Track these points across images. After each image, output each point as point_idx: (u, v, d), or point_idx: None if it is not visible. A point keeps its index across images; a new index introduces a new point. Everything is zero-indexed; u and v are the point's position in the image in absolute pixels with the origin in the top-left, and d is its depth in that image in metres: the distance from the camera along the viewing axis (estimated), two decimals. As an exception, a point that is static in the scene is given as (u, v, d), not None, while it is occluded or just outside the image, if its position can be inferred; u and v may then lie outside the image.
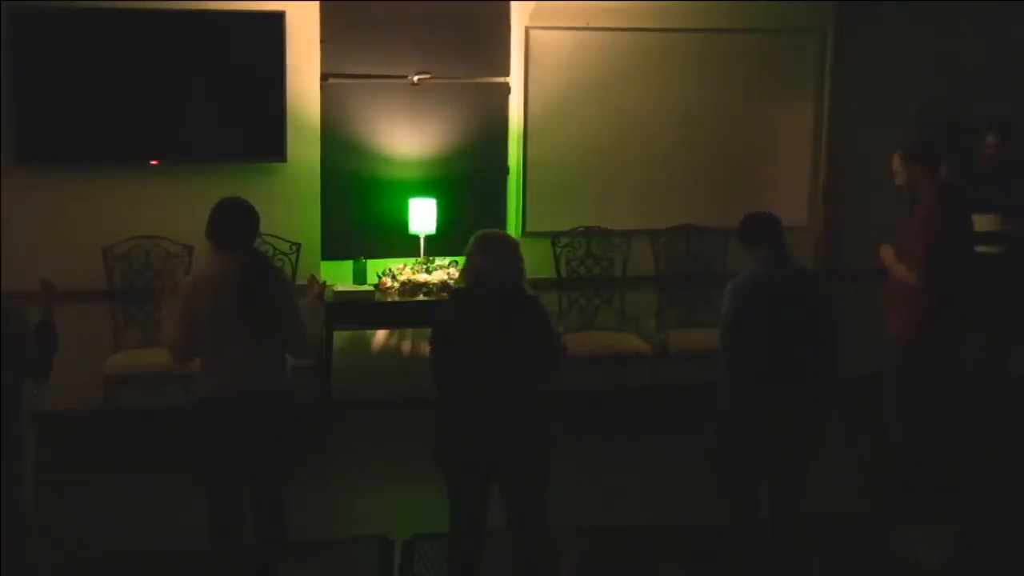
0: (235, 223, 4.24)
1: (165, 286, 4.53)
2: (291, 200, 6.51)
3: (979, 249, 5.96)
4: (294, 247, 6.50)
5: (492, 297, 4.23)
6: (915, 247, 5.32)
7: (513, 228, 6.87)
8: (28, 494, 4.20)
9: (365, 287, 6.51)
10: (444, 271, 6.57)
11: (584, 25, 6.81)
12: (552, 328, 4.40)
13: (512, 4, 6.74)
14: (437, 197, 6.65)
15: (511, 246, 4.35)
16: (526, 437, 4.28)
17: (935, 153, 5.48)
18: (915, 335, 5.38)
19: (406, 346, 6.93)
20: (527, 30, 6.76)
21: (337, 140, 6.63)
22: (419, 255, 6.64)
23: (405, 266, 6.60)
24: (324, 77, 6.57)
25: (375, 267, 6.63)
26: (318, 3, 6.48)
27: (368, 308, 6.45)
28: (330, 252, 6.69)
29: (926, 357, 5.41)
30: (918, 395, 5.45)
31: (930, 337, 5.39)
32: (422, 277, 6.50)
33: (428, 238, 6.63)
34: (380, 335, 6.88)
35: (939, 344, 5.43)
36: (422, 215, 6.58)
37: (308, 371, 5.98)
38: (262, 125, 6.44)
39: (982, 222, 6.08)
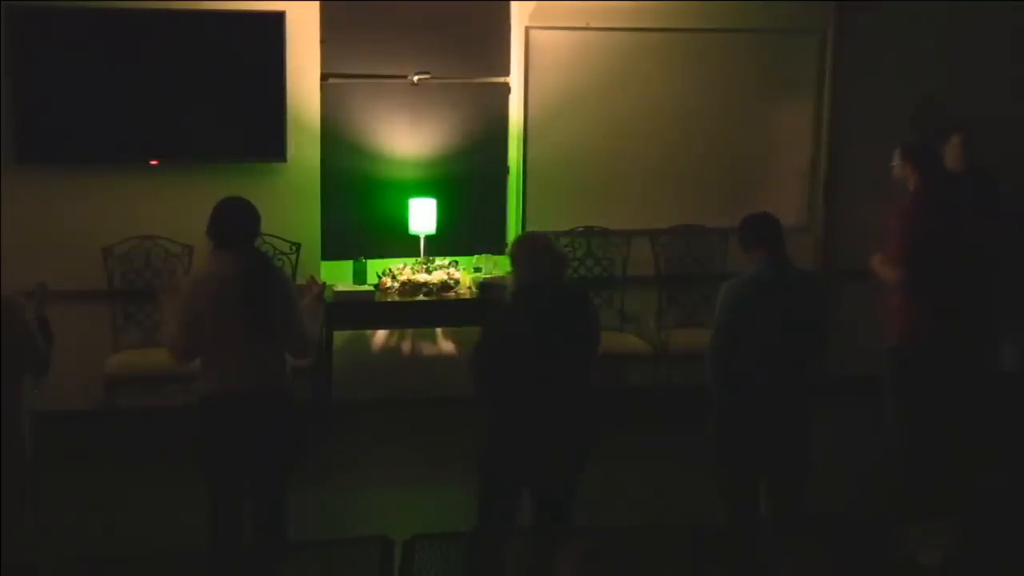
0: (236, 222, 4.24)
1: (165, 286, 4.53)
2: (291, 200, 6.52)
3: None
4: (294, 247, 6.50)
5: (552, 295, 4.25)
6: (890, 244, 5.35)
7: (513, 228, 6.87)
8: (28, 494, 4.20)
9: (365, 287, 6.51)
10: (444, 271, 6.57)
11: (584, 25, 6.81)
12: (598, 320, 4.44)
13: (512, 4, 6.74)
14: (437, 197, 6.65)
15: (554, 245, 4.43)
16: (579, 438, 4.30)
17: (928, 153, 5.48)
18: (906, 340, 5.38)
19: (406, 346, 6.93)
20: (527, 30, 6.76)
21: (337, 140, 6.63)
22: (419, 255, 6.64)
23: (405, 266, 6.60)
24: (324, 77, 6.57)
25: (375, 267, 6.63)
26: (318, 3, 6.48)
27: (368, 308, 6.46)
28: (330, 252, 6.70)
29: (919, 361, 5.40)
30: (914, 396, 5.44)
31: (927, 348, 5.39)
32: (422, 277, 6.51)
33: (428, 238, 6.64)
34: (380, 335, 6.88)
35: (936, 354, 5.42)
36: (422, 215, 6.58)
37: (308, 371, 5.98)
38: (262, 125, 6.45)
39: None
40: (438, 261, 6.65)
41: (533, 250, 4.32)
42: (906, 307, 5.38)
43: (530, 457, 4.27)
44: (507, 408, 4.26)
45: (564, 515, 4.37)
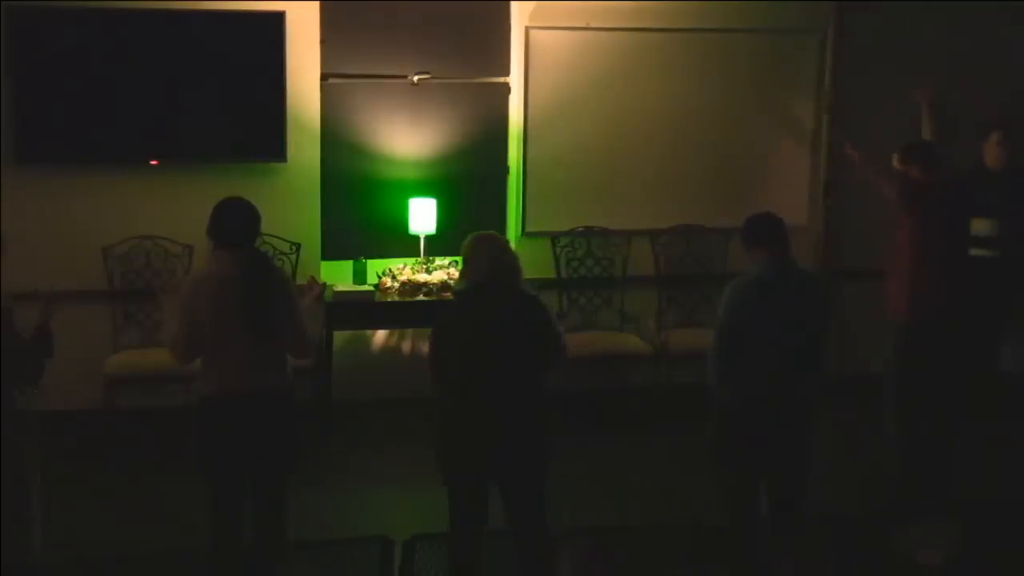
0: (237, 222, 4.24)
1: (165, 286, 4.53)
2: (291, 200, 6.52)
3: (975, 252, 6.01)
4: (294, 247, 6.50)
5: (495, 297, 4.25)
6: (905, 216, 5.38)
7: (513, 228, 6.87)
8: (28, 494, 4.21)
9: (365, 287, 6.51)
10: (444, 271, 6.57)
11: (584, 25, 6.81)
12: (554, 326, 4.42)
13: (512, 4, 6.74)
14: (437, 197, 6.65)
15: (506, 246, 4.43)
16: (528, 438, 4.29)
17: (931, 152, 5.50)
18: (913, 315, 5.39)
19: (406, 346, 6.93)
20: (527, 30, 6.76)
21: (337, 140, 6.62)
22: (419, 255, 6.64)
23: (405, 266, 6.60)
24: (324, 77, 6.57)
25: (375, 267, 6.63)
26: (318, 3, 6.48)
27: (368, 308, 6.45)
28: (330, 252, 6.69)
29: (923, 348, 5.41)
30: (912, 391, 5.44)
31: (928, 328, 5.40)
32: (422, 277, 6.51)
33: (428, 238, 6.63)
34: (380, 335, 6.88)
35: (937, 335, 5.43)
36: (422, 215, 6.58)
37: (308, 371, 5.98)
38: (262, 125, 6.44)
39: (979, 225, 6.11)
40: (438, 261, 6.65)
41: (485, 250, 4.32)
42: (913, 286, 5.39)
43: (478, 458, 4.27)
44: (453, 408, 4.27)
45: (527, 518, 4.35)
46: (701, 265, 7.04)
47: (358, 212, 6.72)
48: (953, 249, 5.53)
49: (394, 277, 6.54)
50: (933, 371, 5.48)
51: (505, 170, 6.90)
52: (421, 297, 6.47)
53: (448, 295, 6.47)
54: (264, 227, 4.39)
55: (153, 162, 6.39)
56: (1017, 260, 6.37)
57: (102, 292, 6.34)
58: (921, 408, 5.52)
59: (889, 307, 5.58)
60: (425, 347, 6.92)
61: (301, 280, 5.36)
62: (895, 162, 5.51)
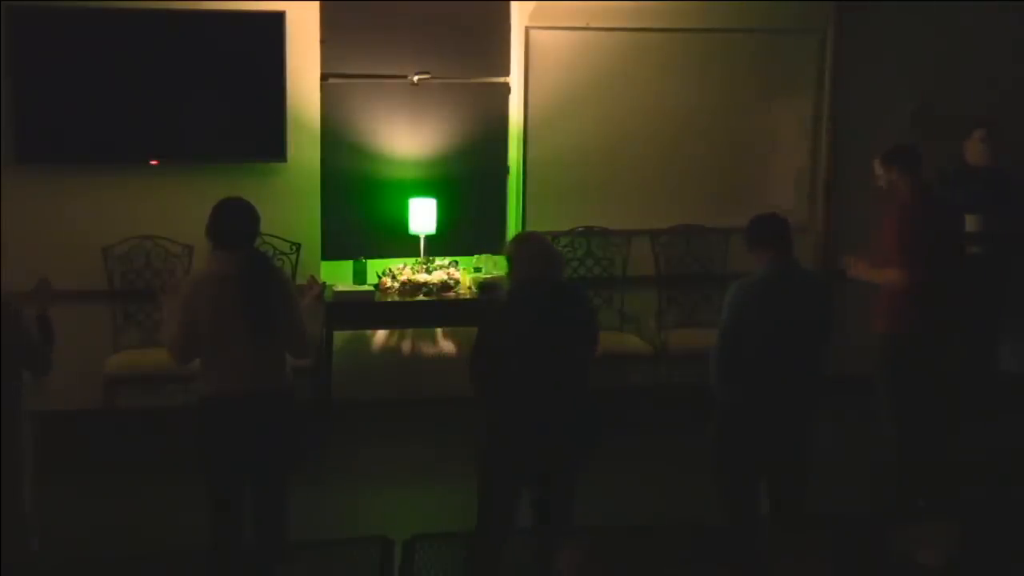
0: (236, 222, 4.24)
1: (165, 286, 4.53)
2: (291, 200, 6.52)
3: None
4: (294, 247, 6.50)
5: (543, 294, 4.26)
6: (890, 245, 5.33)
7: (513, 228, 6.87)
8: (27, 494, 4.21)
9: (365, 287, 6.51)
10: (444, 271, 6.57)
11: (584, 25, 6.81)
12: (596, 323, 4.48)
13: (512, 4, 6.74)
14: (437, 197, 6.65)
15: (549, 243, 4.46)
16: (574, 437, 4.30)
17: (912, 155, 5.48)
18: (898, 333, 5.38)
19: (406, 346, 6.93)
20: (527, 30, 6.76)
21: (337, 140, 6.62)
22: (419, 255, 6.64)
23: (405, 266, 6.60)
24: (324, 77, 6.57)
25: (375, 267, 6.63)
26: (318, 3, 6.48)
27: (368, 308, 6.46)
28: (330, 252, 6.69)
29: (911, 355, 5.41)
30: (906, 394, 5.44)
31: (914, 335, 5.39)
32: (422, 277, 6.51)
33: (428, 238, 6.63)
34: (380, 335, 6.88)
35: (923, 342, 5.42)
36: (422, 215, 6.58)
37: (308, 371, 5.98)
38: (262, 125, 6.45)
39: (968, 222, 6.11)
40: (438, 261, 6.65)
41: (530, 248, 4.34)
42: (896, 296, 5.37)
43: (528, 457, 4.27)
44: (505, 407, 4.27)
45: (562, 516, 4.37)
46: (701, 265, 7.05)
47: (358, 212, 6.72)
48: (937, 266, 5.48)
49: (394, 277, 6.54)
50: (927, 374, 5.46)
51: (505, 170, 6.90)
52: (421, 297, 6.47)
53: (449, 295, 6.48)
54: (264, 227, 4.39)
55: (153, 162, 6.39)
56: (1001, 257, 6.38)
57: (102, 292, 6.34)
58: (919, 409, 5.51)
59: (876, 319, 5.54)
60: (425, 347, 6.99)
61: (301, 280, 5.36)
62: (875, 167, 5.49)
